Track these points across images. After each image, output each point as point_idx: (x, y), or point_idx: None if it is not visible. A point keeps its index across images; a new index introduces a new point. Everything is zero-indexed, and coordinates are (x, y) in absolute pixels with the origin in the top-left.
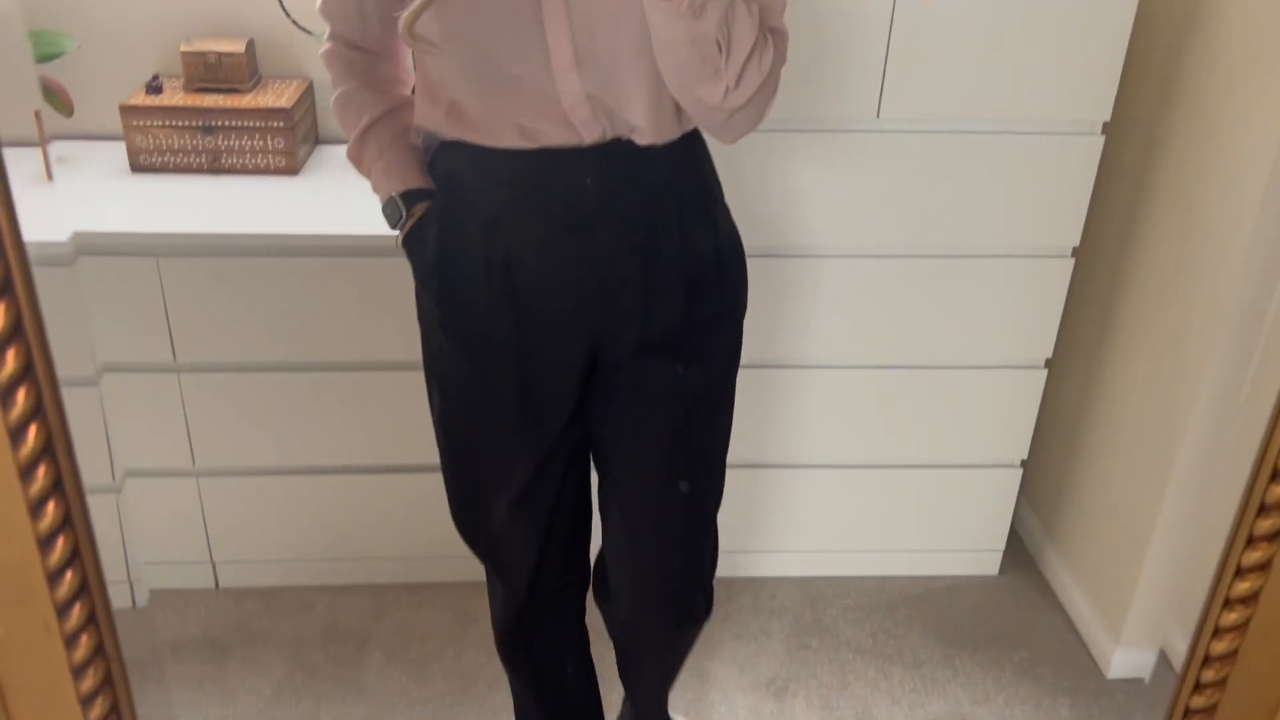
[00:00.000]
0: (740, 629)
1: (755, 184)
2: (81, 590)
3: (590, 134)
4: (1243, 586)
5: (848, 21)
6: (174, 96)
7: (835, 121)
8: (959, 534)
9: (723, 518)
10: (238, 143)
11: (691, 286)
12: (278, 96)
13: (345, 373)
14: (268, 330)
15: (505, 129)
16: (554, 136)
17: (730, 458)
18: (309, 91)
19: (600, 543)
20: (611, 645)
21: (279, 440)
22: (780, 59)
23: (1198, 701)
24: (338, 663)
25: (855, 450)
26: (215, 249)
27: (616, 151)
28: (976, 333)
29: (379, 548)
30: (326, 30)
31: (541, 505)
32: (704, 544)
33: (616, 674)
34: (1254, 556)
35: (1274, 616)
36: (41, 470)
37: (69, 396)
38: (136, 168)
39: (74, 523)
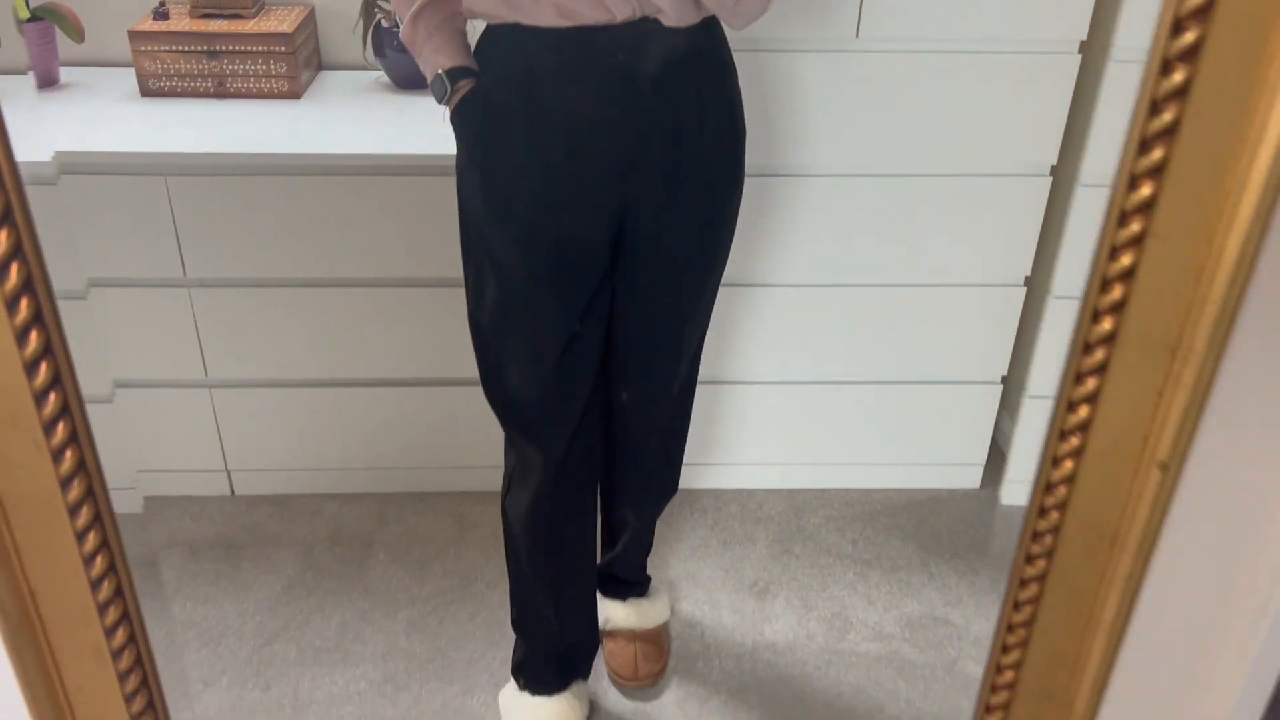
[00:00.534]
0: (727, 536)
1: None
2: (86, 488)
3: (621, 13)
4: (1074, 419)
5: None
6: (180, 22)
7: (815, 42)
8: (941, 448)
9: (713, 431)
10: (242, 67)
11: (708, 154)
12: (280, 22)
13: (349, 289)
14: (273, 247)
15: (545, 8)
16: (588, 15)
17: (719, 373)
18: (310, 17)
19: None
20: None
21: (287, 354)
22: None
23: (1043, 525)
24: (344, 563)
25: (840, 367)
26: (221, 168)
27: (644, 29)
28: (957, 251)
29: (384, 458)
30: None
31: (584, 358)
32: (687, 424)
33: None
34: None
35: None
36: (43, 367)
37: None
38: (146, 92)
39: (74, 419)
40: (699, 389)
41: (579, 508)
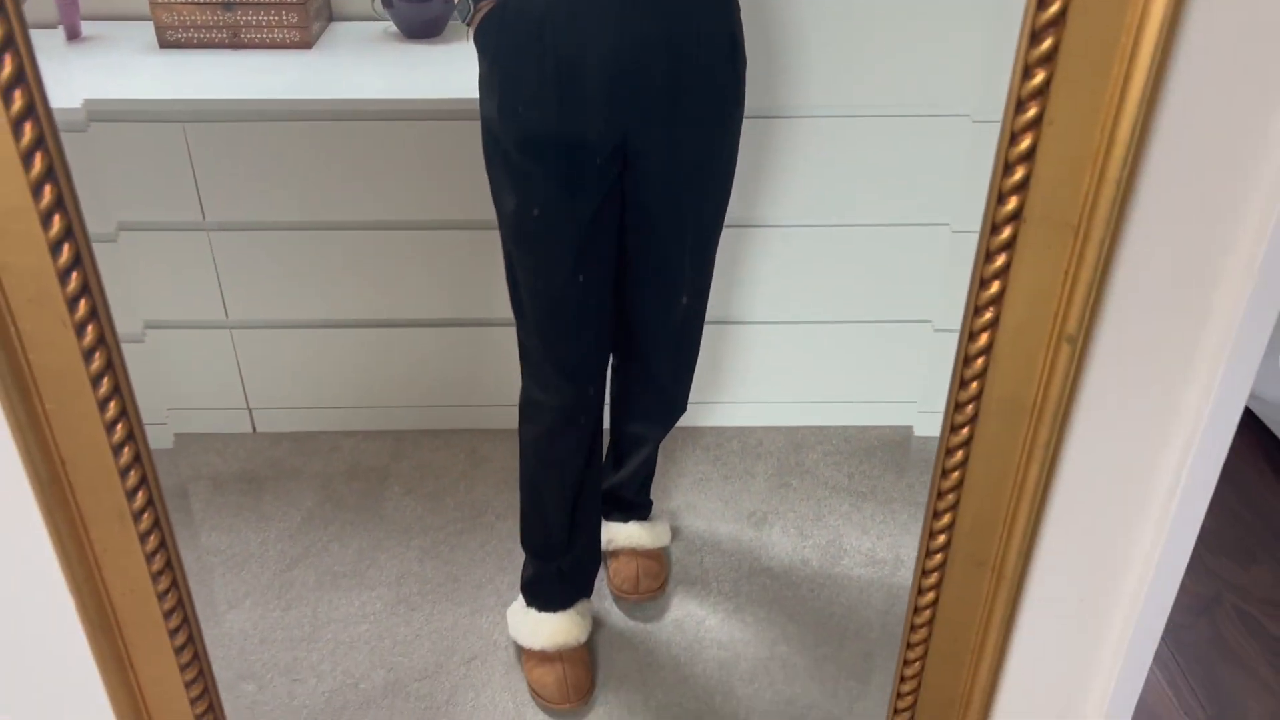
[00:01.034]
0: (728, 470)
1: None
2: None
3: None
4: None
5: None
6: None
7: None
8: (940, 390)
9: (717, 370)
10: (255, 18)
11: (707, 67)
12: None
13: (362, 231)
14: (287, 191)
15: None
16: None
17: (724, 314)
18: None
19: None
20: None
21: (305, 295)
22: None
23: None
24: (361, 495)
25: (840, 307)
26: (237, 114)
27: None
28: (966, 195)
29: (400, 396)
30: None
31: (597, 267)
32: (697, 344)
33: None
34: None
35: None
36: (90, 329)
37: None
38: (164, 43)
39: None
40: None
41: (590, 432)
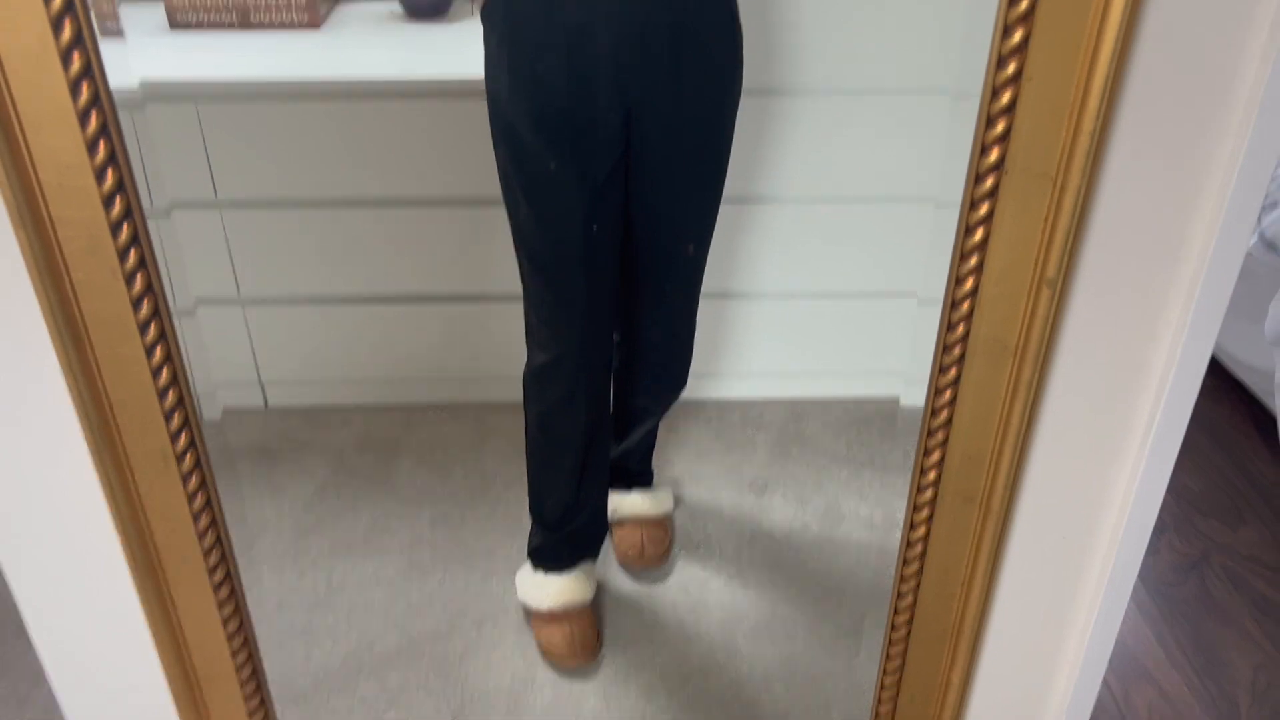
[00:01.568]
0: (729, 441)
1: None
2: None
3: None
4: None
5: None
6: None
7: None
8: (927, 364)
9: (717, 342)
10: (264, 0)
11: (707, 45)
12: None
13: (371, 208)
14: (297, 169)
15: None
16: None
17: (725, 287)
18: None
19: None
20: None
21: (314, 271)
22: None
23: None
24: (373, 465)
25: (840, 280)
26: (248, 94)
27: None
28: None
29: (410, 371)
30: None
31: (607, 227)
32: (694, 314)
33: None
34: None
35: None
36: (139, 279)
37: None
38: (174, 25)
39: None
40: (702, 303)
41: (595, 400)
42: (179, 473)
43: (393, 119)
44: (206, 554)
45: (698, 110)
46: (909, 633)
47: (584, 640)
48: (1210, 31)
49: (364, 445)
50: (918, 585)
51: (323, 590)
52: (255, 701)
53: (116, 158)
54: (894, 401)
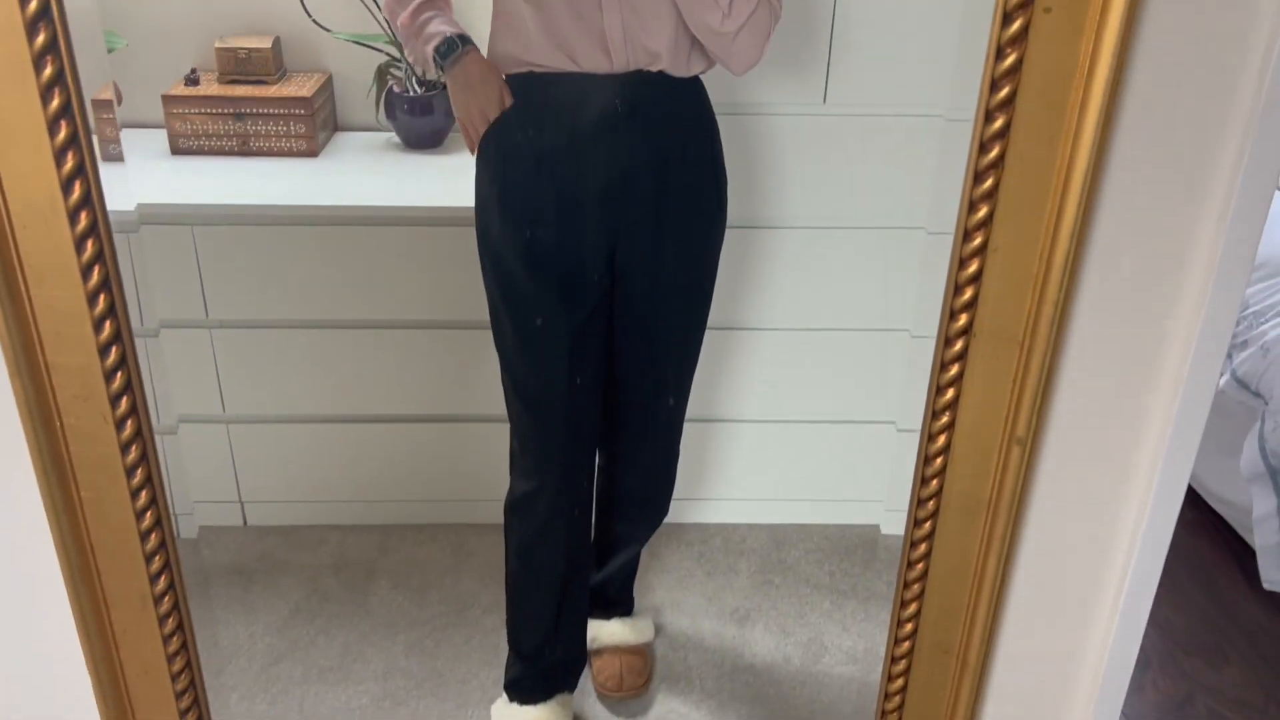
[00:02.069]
0: (711, 566)
1: None
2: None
3: (619, 62)
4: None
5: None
6: (209, 87)
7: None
8: (906, 490)
9: (700, 466)
10: (264, 128)
11: (691, 182)
12: (300, 87)
13: (358, 330)
14: (288, 291)
15: (558, 55)
16: (593, 62)
17: (707, 412)
18: (328, 83)
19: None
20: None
21: (299, 391)
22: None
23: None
24: (347, 588)
25: (824, 407)
26: (243, 218)
27: (640, 80)
28: (924, 306)
29: (387, 491)
30: None
31: (592, 365)
32: (678, 448)
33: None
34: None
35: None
36: (124, 401)
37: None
38: (176, 150)
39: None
40: (686, 427)
41: (577, 532)
42: (156, 615)
43: (382, 244)
44: (179, 696)
45: (681, 248)
46: None
47: None
48: (1164, 211)
49: (339, 566)
50: None
51: (294, 719)
52: None
53: (115, 308)
54: (874, 529)
